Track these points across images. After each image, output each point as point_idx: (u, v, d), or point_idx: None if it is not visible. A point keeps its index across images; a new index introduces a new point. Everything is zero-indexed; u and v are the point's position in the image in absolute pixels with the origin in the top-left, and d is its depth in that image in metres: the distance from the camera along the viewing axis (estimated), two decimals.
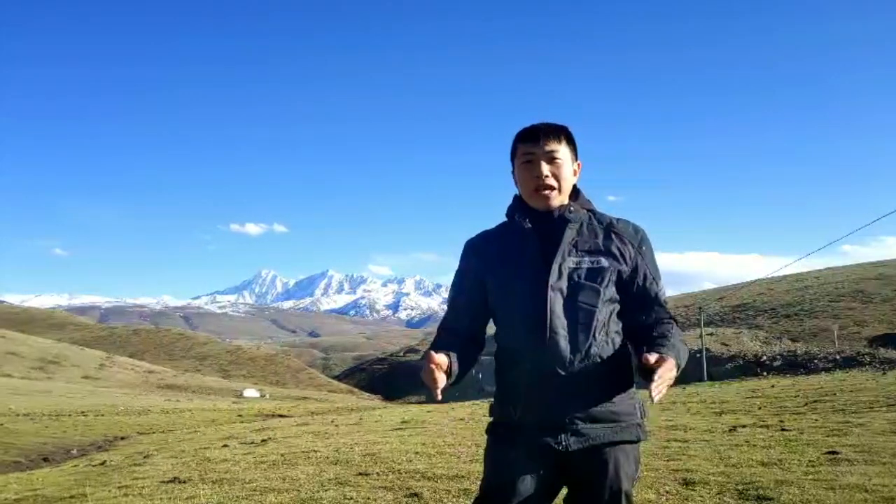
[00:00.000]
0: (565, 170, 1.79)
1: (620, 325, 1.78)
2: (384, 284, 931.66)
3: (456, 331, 1.84)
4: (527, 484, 1.71)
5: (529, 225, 1.79)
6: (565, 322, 1.69)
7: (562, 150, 1.79)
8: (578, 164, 1.86)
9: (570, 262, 1.73)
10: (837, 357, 30.41)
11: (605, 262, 1.74)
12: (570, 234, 1.76)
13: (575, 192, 1.86)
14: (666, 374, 1.58)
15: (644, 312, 1.79)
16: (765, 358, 33.98)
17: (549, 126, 1.80)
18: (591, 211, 1.84)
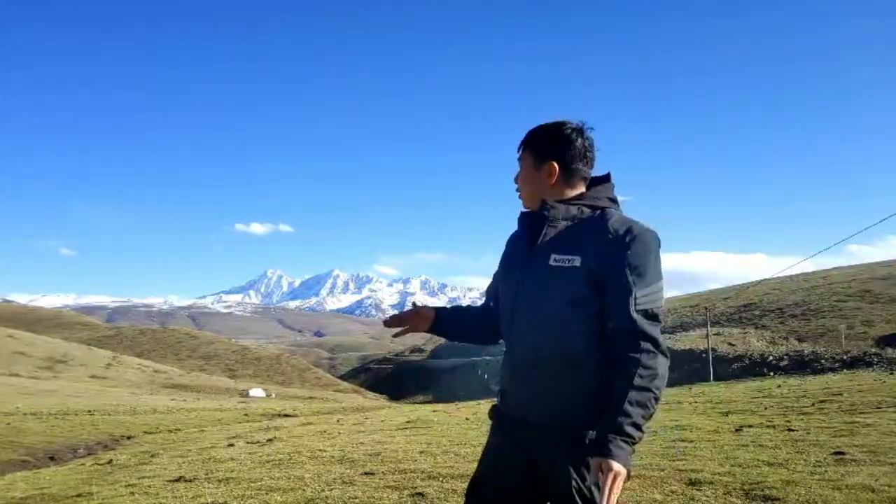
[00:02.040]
0: (523, 175, 1.90)
1: (594, 326, 1.73)
2: (390, 284, 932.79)
3: (481, 308, 2.04)
4: (504, 473, 1.81)
5: (521, 224, 1.91)
6: (530, 318, 1.77)
7: (524, 156, 1.90)
8: (550, 165, 1.84)
9: (550, 260, 1.76)
10: (845, 357, 30.25)
11: (577, 261, 1.72)
12: (550, 231, 1.80)
13: (587, 188, 1.88)
14: (609, 486, 1.56)
15: (612, 319, 1.70)
16: (771, 358, 33.83)
17: (525, 134, 1.91)
18: (600, 208, 1.82)
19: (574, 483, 1.68)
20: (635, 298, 1.68)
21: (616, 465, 1.57)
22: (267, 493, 4.95)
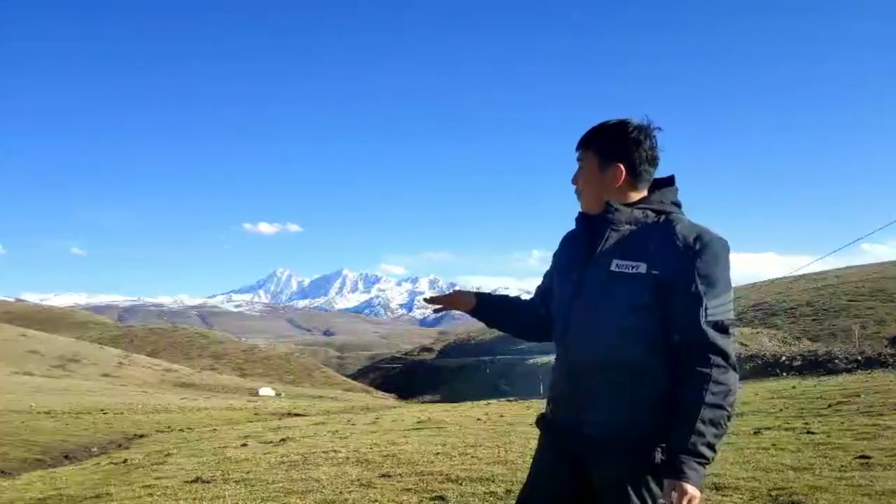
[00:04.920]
0: (585, 176, 1.81)
1: (656, 336, 1.65)
2: (398, 283, 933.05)
3: (530, 301, 2.03)
4: (554, 486, 1.74)
5: (579, 227, 1.83)
6: (588, 325, 1.68)
7: (587, 157, 1.81)
8: (617, 168, 1.75)
9: (612, 265, 1.68)
10: (859, 357, 29.94)
11: (642, 268, 1.64)
12: (613, 235, 1.71)
13: (650, 193, 1.79)
14: None
15: (680, 330, 1.62)
16: (784, 358, 33.52)
17: (585, 133, 1.83)
18: (665, 213, 1.74)
19: (633, 502, 1.62)
20: (706, 309, 1.60)
21: (691, 489, 1.52)
22: (286, 496, 4.92)
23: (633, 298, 1.63)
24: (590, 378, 1.68)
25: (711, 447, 1.55)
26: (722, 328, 1.61)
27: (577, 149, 1.83)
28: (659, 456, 1.59)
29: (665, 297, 1.62)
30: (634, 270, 1.64)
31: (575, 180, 1.84)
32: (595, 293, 1.68)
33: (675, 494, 1.52)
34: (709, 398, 1.55)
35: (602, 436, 1.65)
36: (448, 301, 1.96)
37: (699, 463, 1.53)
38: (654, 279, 1.62)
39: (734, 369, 1.61)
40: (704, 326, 1.59)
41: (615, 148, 1.75)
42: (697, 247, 1.63)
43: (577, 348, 1.70)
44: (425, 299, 1.99)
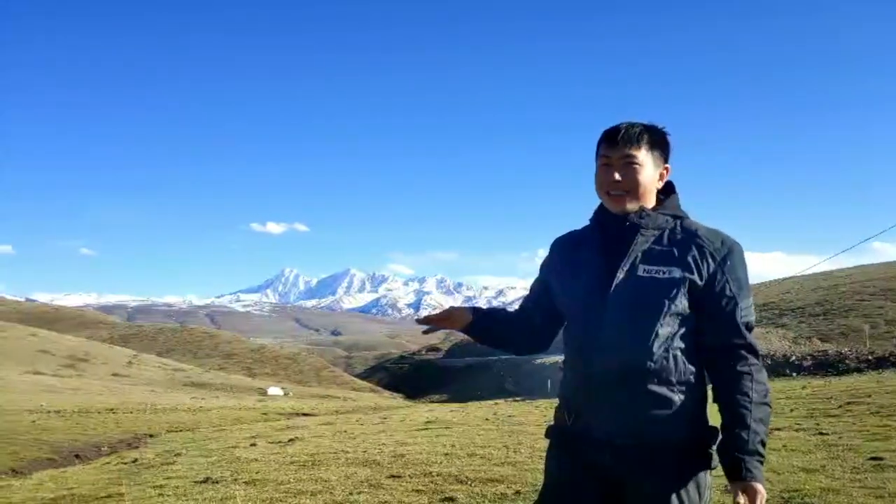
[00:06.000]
0: (642, 175, 1.71)
1: (689, 342, 1.65)
2: (406, 283, 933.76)
3: (520, 311, 1.94)
4: (577, 495, 1.68)
5: (598, 232, 1.77)
6: (622, 332, 1.63)
7: (641, 155, 1.71)
8: (666, 168, 1.78)
9: (640, 270, 1.65)
10: (870, 357, 29.76)
11: (676, 273, 1.63)
12: (641, 240, 1.69)
13: (664, 197, 1.78)
14: None
15: (717, 334, 1.64)
16: (794, 358, 33.36)
17: (632, 129, 1.72)
18: (680, 218, 1.74)
19: None
20: (741, 311, 1.65)
21: (761, 488, 1.55)
22: (296, 497, 4.94)
23: (670, 305, 1.62)
24: (614, 383, 1.63)
25: (764, 445, 1.59)
26: (751, 329, 1.68)
27: (631, 145, 1.71)
28: (722, 461, 1.61)
29: (699, 301, 1.64)
30: (667, 276, 1.63)
31: (625, 178, 1.71)
32: (624, 298, 1.64)
33: (746, 497, 1.54)
34: (755, 397, 1.60)
35: (634, 445, 1.62)
36: (442, 319, 1.89)
37: (759, 461, 1.57)
38: (689, 284, 1.63)
39: (764, 367, 1.68)
40: (743, 327, 1.65)
41: (667, 149, 1.78)
42: (725, 251, 1.67)
43: (600, 353, 1.64)
44: (417, 320, 1.91)
